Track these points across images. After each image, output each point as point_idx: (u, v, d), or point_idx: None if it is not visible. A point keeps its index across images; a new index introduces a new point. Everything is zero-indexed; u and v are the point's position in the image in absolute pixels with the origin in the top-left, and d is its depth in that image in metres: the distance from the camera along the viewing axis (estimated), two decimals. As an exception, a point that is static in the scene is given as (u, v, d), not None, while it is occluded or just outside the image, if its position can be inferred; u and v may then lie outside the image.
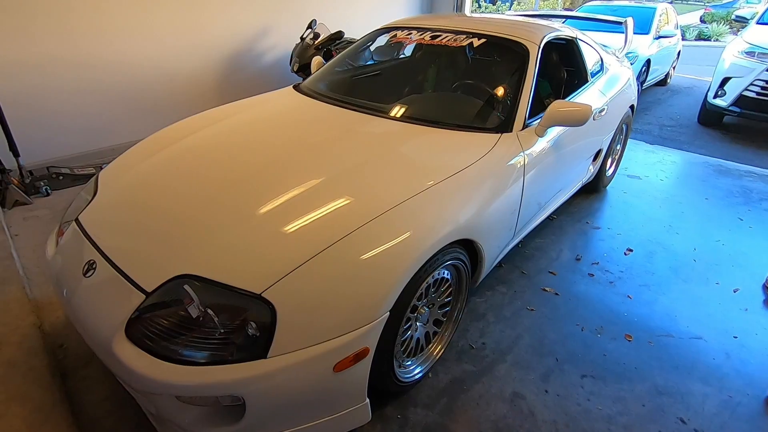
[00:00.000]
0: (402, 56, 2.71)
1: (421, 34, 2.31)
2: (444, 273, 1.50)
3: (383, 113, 1.92)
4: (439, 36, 2.25)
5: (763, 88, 4.09)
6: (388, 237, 1.24)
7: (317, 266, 1.14)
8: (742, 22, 5.07)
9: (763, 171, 3.57)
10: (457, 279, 1.60)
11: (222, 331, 1.09)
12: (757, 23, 4.70)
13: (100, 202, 1.50)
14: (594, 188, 3.01)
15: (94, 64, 3.12)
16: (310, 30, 3.81)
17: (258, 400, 1.08)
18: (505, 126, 1.81)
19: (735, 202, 3.03)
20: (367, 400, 1.28)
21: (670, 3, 7.28)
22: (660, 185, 3.29)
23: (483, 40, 2.15)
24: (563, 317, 1.94)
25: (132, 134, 3.29)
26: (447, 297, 1.58)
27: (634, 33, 5.52)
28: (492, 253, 1.75)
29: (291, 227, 1.23)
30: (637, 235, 2.60)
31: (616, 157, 3.21)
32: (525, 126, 1.84)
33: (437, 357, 1.62)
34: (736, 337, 1.86)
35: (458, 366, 1.67)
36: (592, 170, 2.75)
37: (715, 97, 4.47)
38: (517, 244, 2.33)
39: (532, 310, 1.98)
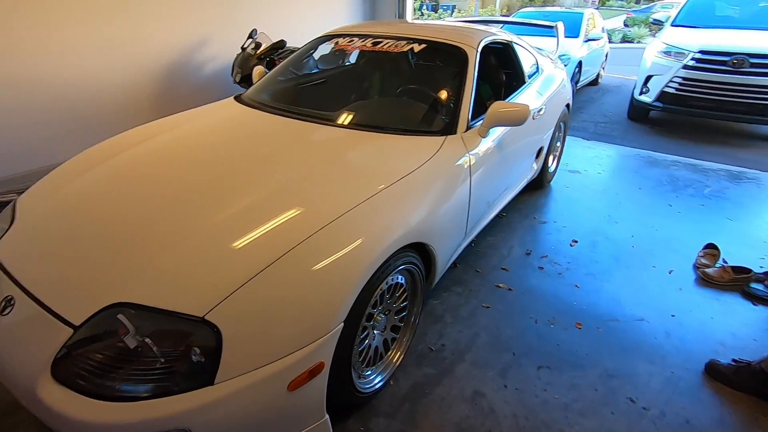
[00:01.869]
0: (346, 64, 2.71)
1: (362, 41, 2.32)
2: (398, 278, 1.49)
3: (329, 121, 1.90)
4: (381, 42, 2.27)
5: (680, 84, 4.45)
6: (339, 246, 1.22)
7: (264, 282, 1.10)
8: (659, 24, 5.51)
9: (687, 160, 3.88)
10: (412, 283, 1.60)
11: (163, 360, 1.01)
12: (672, 25, 5.13)
13: (19, 231, 1.36)
14: (539, 184, 3.14)
15: (10, 82, 2.87)
16: (251, 40, 3.72)
17: (208, 430, 1.02)
18: (449, 128, 1.85)
19: (664, 190, 3.26)
20: (327, 416, 1.24)
21: (596, 9, 7.80)
22: (598, 178, 3.49)
23: (423, 46, 2.18)
24: (518, 312, 1.99)
25: (55, 156, 3.04)
26: (403, 302, 1.58)
27: (566, 37, 5.86)
28: (445, 255, 1.76)
29: (236, 244, 1.17)
30: (580, 226, 2.73)
31: (557, 153, 3.37)
32: (468, 127, 1.89)
33: (397, 364, 1.60)
34: (673, 316, 1.99)
35: (419, 370, 1.66)
36: (536, 167, 2.86)
37: (640, 94, 4.82)
38: (470, 244, 2.37)
39: (487, 307, 2.01)
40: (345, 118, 1.94)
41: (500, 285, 2.17)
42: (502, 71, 2.68)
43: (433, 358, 1.73)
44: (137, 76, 3.49)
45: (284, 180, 1.42)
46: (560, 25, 3.58)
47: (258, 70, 2.56)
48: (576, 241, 2.56)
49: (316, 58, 2.72)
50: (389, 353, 1.59)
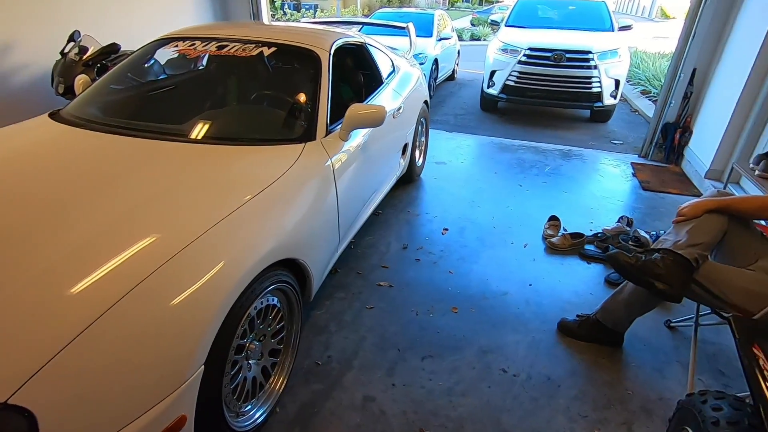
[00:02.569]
0: (193, 69, 2.47)
1: (205, 45, 2.12)
2: (270, 300, 1.40)
3: (174, 136, 1.70)
4: (227, 46, 2.11)
5: (518, 77, 5.07)
6: (195, 274, 1.08)
7: (95, 337, 0.92)
8: (496, 25, 6.21)
9: (530, 143, 4.43)
10: (287, 302, 1.51)
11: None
12: (506, 26, 5.82)
13: None
14: (409, 179, 3.28)
15: None
16: (73, 43, 3.17)
17: None
18: (308, 135, 1.79)
19: (515, 172, 3.68)
20: (200, 471, 1.11)
21: (445, 10, 8.45)
22: (461, 167, 3.79)
23: (273, 49, 2.08)
24: (400, 307, 2.05)
25: None
26: (279, 324, 1.49)
27: (420, 36, 6.22)
28: (319, 266, 1.71)
29: (58, 295, 0.96)
30: (449, 215, 2.92)
31: (423, 147, 3.56)
32: (328, 132, 1.86)
33: (281, 390, 1.51)
34: (530, 285, 2.25)
35: (306, 389, 1.60)
36: (404, 163, 2.98)
37: (488, 87, 5.37)
38: (349, 246, 2.37)
39: (371, 308, 2.03)
40: (192, 131, 1.76)
41: (381, 283, 2.20)
42: (360, 73, 2.72)
43: (320, 372, 1.67)
44: None
45: (123, 208, 1.22)
46: (411, 26, 3.78)
47: (81, 79, 2.18)
48: (447, 229, 2.74)
49: (156, 65, 2.43)
50: (270, 380, 1.49)
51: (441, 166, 3.77)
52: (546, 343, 1.87)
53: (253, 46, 2.09)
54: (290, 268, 1.50)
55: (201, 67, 2.45)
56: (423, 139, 3.52)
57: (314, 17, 15.82)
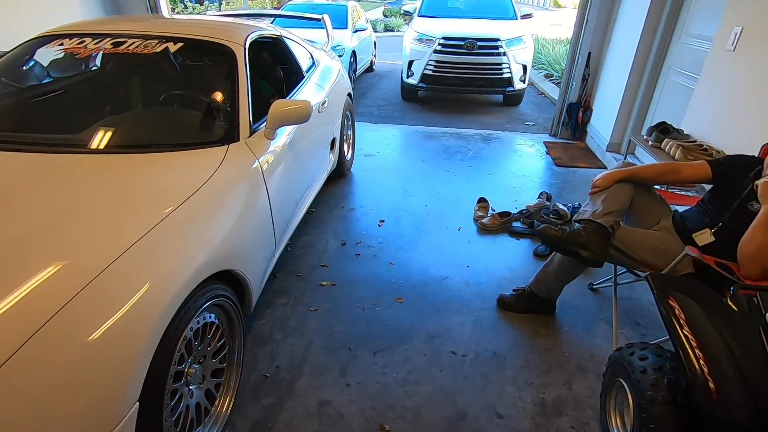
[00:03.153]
0: (84, 71, 2.19)
1: (97, 42, 1.89)
2: (207, 318, 1.29)
3: (71, 147, 1.49)
4: (125, 43, 1.89)
5: (435, 66, 5.20)
6: (119, 301, 0.96)
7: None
8: (409, 15, 6.31)
9: (453, 130, 4.59)
10: (226, 318, 1.41)
11: None
12: (419, 16, 5.94)
13: None
14: (340, 173, 3.23)
15: None
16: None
17: None
18: (230, 136, 1.67)
19: (441, 159, 3.79)
20: None
21: (357, 1, 8.41)
22: (390, 157, 3.81)
23: (180, 45, 1.91)
24: (345, 305, 2.01)
25: None
26: (220, 341, 1.38)
27: (336, 28, 6.12)
28: (257, 274, 1.62)
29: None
30: (384, 206, 2.93)
31: (351, 141, 3.53)
32: (252, 132, 1.75)
33: (228, 411, 1.41)
34: (468, 266, 2.33)
35: (256, 405, 1.51)
36: (333, 158, 2.92)
37: (407, 77, 5.46)
38: (286, 248, 2.28)
39: (315, 310, 1.97)
40: (93, 140, 1.56)
41: (323, 283, 2.15)
42: (279, 67, 2.60)
43: (269, 384, 1.59)
44: None
45: (15, 234, 1.04)
46: (326, 18, 3.69)
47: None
48: (383, 221, 2.74)
49: (44, 65, 2.12)
50: (216, 403, 1.38)
51: (370, 158, 3.77)
52: (489, 321, 1.96)
53: (156, 42, 1.90)
54: (226, 280, 1.40)
55: (95, 68, 2.18)
56: (350, 132, 3.49)
57: (219, 10, 14.89)
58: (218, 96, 1.88)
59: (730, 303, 1.13)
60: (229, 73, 1.88)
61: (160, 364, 1.03)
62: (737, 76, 2.24)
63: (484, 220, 2.71)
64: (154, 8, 4.42)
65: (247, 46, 2.02)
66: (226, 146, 1.60)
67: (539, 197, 2.98)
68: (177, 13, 16.04)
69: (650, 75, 3.33)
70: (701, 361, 0.99)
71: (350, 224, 2.71)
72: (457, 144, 4.15)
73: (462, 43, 5.06)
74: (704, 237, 1.59)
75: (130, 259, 1.04)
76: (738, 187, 1.57)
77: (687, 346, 1.03)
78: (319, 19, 3.68)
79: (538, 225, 2.54)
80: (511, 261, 2.40)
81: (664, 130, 2.52)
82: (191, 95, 1.97)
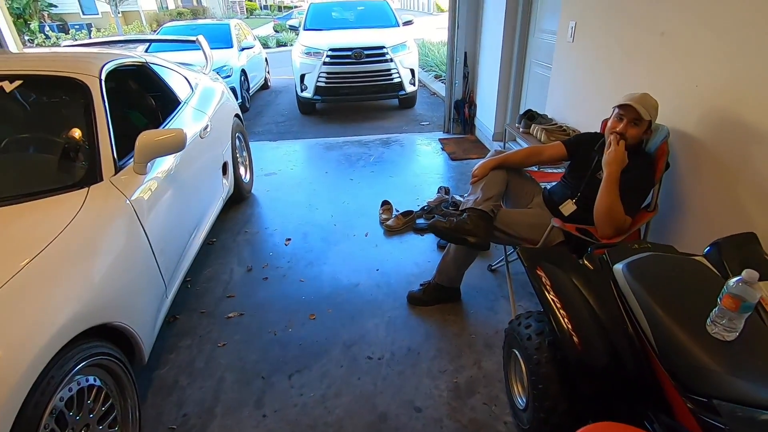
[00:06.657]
0: None
1: None
2: (84, 381, 1.16)
3: None
4: (-53, 86, 1.64)
5: (327, 78, 5.25)
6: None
7: None
8: (295, 30, 6.30)
9: (353, 138, 4.65)
10: (112, 377, 1.28)
11: None
12: (305, 30, 5.95)
13: None
14: (240, 197, 3.11)
15: None
16: None
17: None
18: (91, 177, 1.52)
19: (344, 168, 3.82)
20: None
21: (244, 18, 8.19)
22: (292, 173, 3.76)
23: (18, 83, 1.71)
24: (256, 333, 1.94)
25: None
26: (106, 404, 1.25)
27: (221, 48, 5.91)
28: (146, 322, 1.49)
29: None
30: (290, 223, 2.88)
31: (247, 162, 3.41)
32: (119, 169, 1.61)
33: (127, 477, 1.28)
34: (378, 270, 2.37)
35: (164, 461, 1.39)
36: (228, 183, 2.80)
37: (301, 91, 5.44)
38: (185, 285, 2.14)
39: (223, 345, 1.87)
40: None
41: (230, 315, 2.05)
42: (149, 96, 2.44)
43: (178, 436, 1.48)
44: None
45: None
46: (202, 39, 3.53)
47: None
48: (290, 239, 2.69)
49: None
50: (112, 472, 1.25)
51: (272, 176, 3.68)
52: (401, 319, 2.01)
53: (-9, 81, 1.67)
54: (106, 335, 1.27)
55: None
56: (245, 153, 3.37)
57: (89, 38, 13.55)
58: (74, 134, 1.70)
59: (586, 262, 1.29)
60: (85, 108, 1.72)
61: (19, 447, 0.90)
62: (578, 64, 2.56)
63: (389, 222, 2.78)
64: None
65: (103, 78, 1.85)
66: (87, 189, 1.46)
67: (438, 192, 3.14)
68: (36, 45, 14.36)
69: (517, 68, 3.69)
70: (566, 319, 1.11)
71: (255, 248, 2.62)
72: (359, 151, 4.22)
73: (350, 53, 5.17)
74: (568, 207, 1.79)
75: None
76: (588, 159, 1.79)
77: (554, 308, 1.15)
78: (193, 41, 3.52)
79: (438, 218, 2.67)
80: (418, 257, 2.49)
81: (530, 116, 2.79)
82: (42, 137, 1.77)
